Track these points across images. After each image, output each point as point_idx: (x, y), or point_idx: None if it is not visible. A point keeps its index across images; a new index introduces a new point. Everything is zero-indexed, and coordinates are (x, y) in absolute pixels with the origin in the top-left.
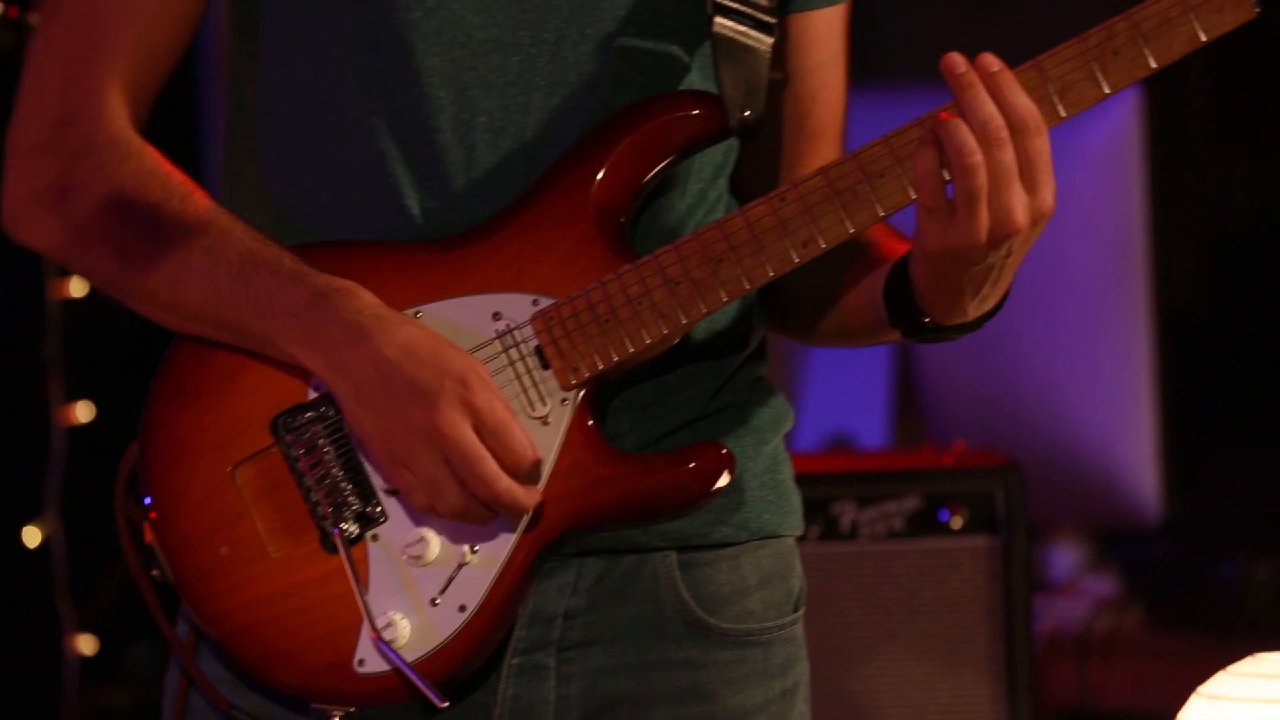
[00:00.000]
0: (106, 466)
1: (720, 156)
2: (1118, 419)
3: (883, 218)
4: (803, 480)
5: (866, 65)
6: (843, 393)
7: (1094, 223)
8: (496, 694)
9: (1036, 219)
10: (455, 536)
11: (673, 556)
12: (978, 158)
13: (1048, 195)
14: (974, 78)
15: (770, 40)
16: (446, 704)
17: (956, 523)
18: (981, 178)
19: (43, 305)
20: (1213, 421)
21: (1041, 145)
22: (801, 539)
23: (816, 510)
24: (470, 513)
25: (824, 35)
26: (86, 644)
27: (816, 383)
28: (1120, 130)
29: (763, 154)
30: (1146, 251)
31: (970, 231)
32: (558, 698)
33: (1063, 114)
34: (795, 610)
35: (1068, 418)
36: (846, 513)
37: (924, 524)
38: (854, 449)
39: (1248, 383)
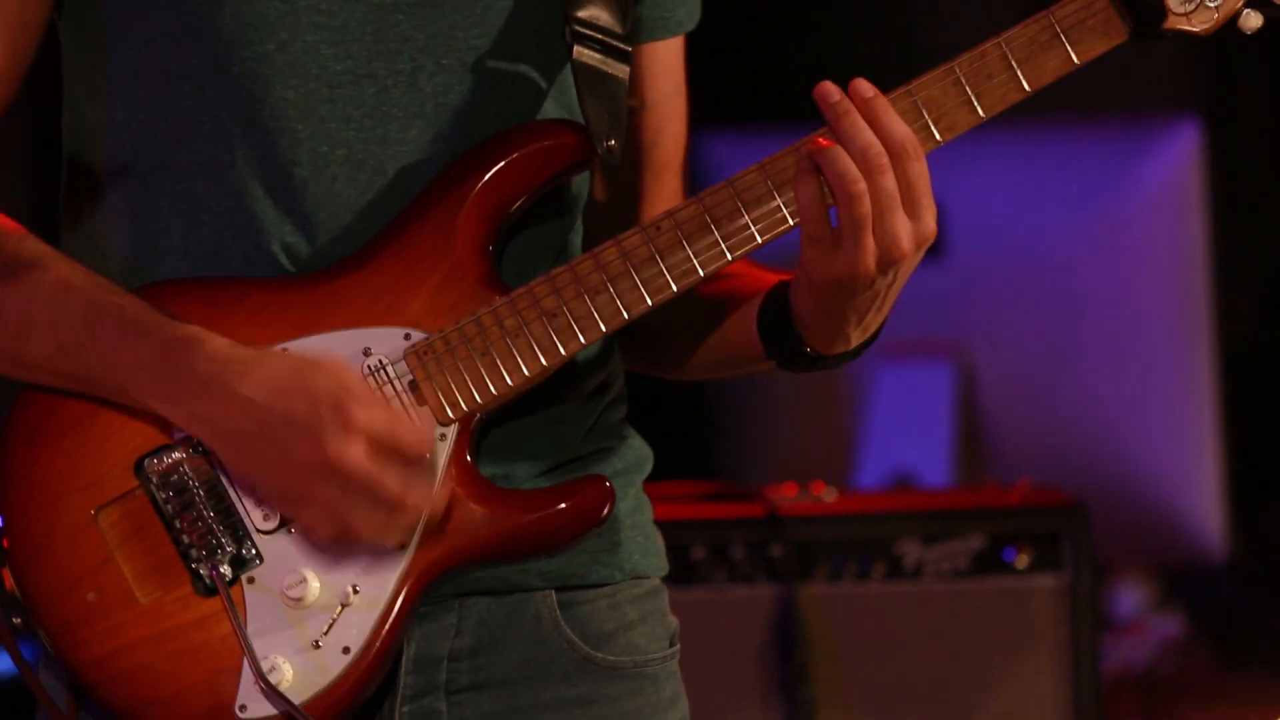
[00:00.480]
0: None
1: (582, 188)
2: (1182, 457)
3: (761, 245)
4: (867, 519)
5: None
6: (905, 431)
7: (1156, 259)
8: None
9: (920, 243)
10: (336, 578)
11: (553, 596)
12: (861, 185)
13: (930, 220)
14: (849, 105)
15: (627, 69)
16: None
17: (1022, 562)
18: (866, 205)
19: None
20: (1277, 459)
21: (921, 170)
22: (865, 578)
23: (880, 549)
24: (388, 531)
25: (669, 67)
26: None
27: (879, 421)
28: (1180, 167)
29: (609, 187)
30: (1209, 288)
31: (857, 260)
32: None
33: (939, 138)
34: (672, 645)
35: (1132, 456)
36: (911, 552)
37: (989, 563)
38: (917, 487)
39: None
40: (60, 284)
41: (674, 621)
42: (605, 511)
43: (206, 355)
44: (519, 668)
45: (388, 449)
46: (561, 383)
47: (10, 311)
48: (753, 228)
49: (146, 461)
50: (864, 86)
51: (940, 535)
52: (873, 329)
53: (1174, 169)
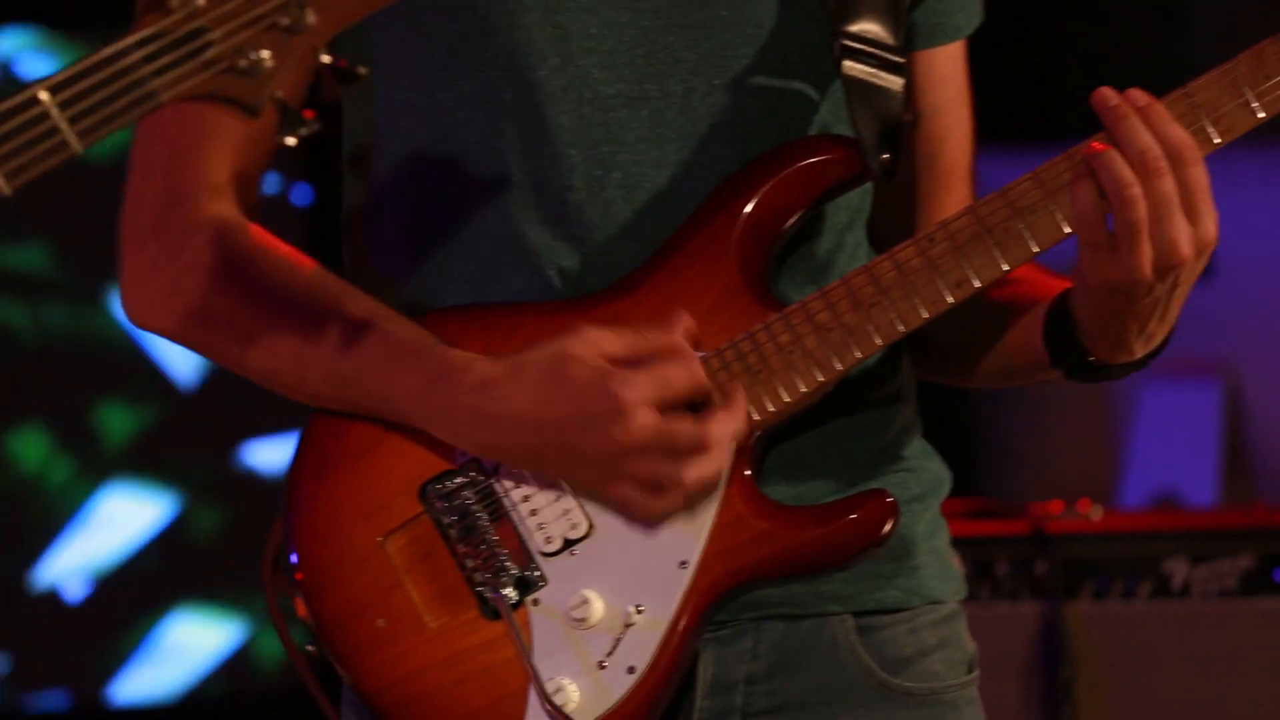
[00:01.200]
0: None
1: (857, 201)
2: None
3: (1037, 254)
4: (1133, 538)
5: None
6: (1170, 450)
7: None
8: None
9: (1201, 249)
10: (619, 598)
11: (849, 620)
12: (1137, 189)
13: (1209, 224)
14: (1127, 109)
15: (901, 81)
16: None
17: None
18: (1142, 209)
19: None
20: None
21: (1199, 174)
22: (1131, 596)
23: (1147, 568)
24: (706, 478)
25: (949, 72)
26: None
27: (1143, 440)
28: None
29: (895, 198)
30: None
31: (1134, 265)
32: None
33: (1217, 141)
34: (970, 671)
35: None
36: (1178, 571)
37: (1258, 583)
38: (1182, 506)
39: None
40: (334, 310)
41: (973, 647)
42: (887, 527)
43: (468, 386)
44: (815, 692)
45: (667, 404)
46: (850, 400)
47: (287, 339)
48: (1027, 236)
49: (430, 487)
50: (1138, 95)
51: (1208, 555)
52: (1157, 339)
53: None
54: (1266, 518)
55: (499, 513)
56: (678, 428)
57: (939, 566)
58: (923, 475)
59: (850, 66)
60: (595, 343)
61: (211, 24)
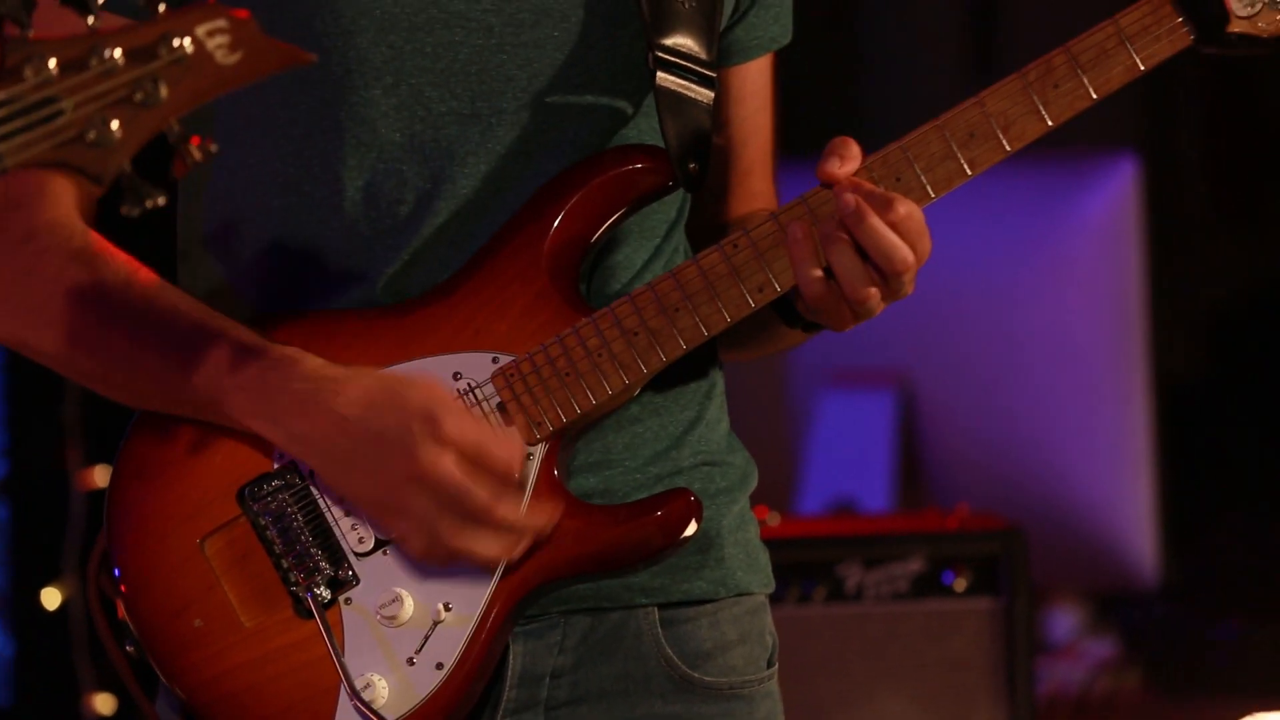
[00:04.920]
0: None
1: (674, 212)
2: (1116, 484)
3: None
4: (809, 543)
5: (867, 126)
6: (846, 457)
7: (1093, 291)
8: None
9: (897, 287)
10: (429, 595)
11: (654, 613)
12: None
13: (896, 262)
14: (863, 210)
15: (711, 94)
16: None
17: (960, 585)
18: (831, 291)
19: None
20: (1209, 486)
21: (873, 224)
22: (807, 600)
23: (822, 572)
24: (478, 545)
25: (757, 83)
26: (104, 703)
27: (820, 447)
28: (1118, 202)
29: (703, 199)
30: (1144, 319)
31: (842, 317)
32: None
33: (1008, 148)
34: (770, 665)
35: (1067, 482)
36: (852, 575)
37: (928, 586)
38: (858, 512)
39: (1243, 448)
40: (169, 311)
41: (773, 640)
42: (691, 527)
43: (301, 375)
44: (616, 682)
45: (478, 462)
46: (657, 396)
47: (120, 339)
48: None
49: (248, 490)
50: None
51: (881, 559)
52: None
53: (1112, 203)
54: (936, 523)
55: (314, 514)
56: (474, 485)
57: (746, 559)
58: (729, 469)
59: (663, 78)
60: (437, 384)
61: (63, 94)
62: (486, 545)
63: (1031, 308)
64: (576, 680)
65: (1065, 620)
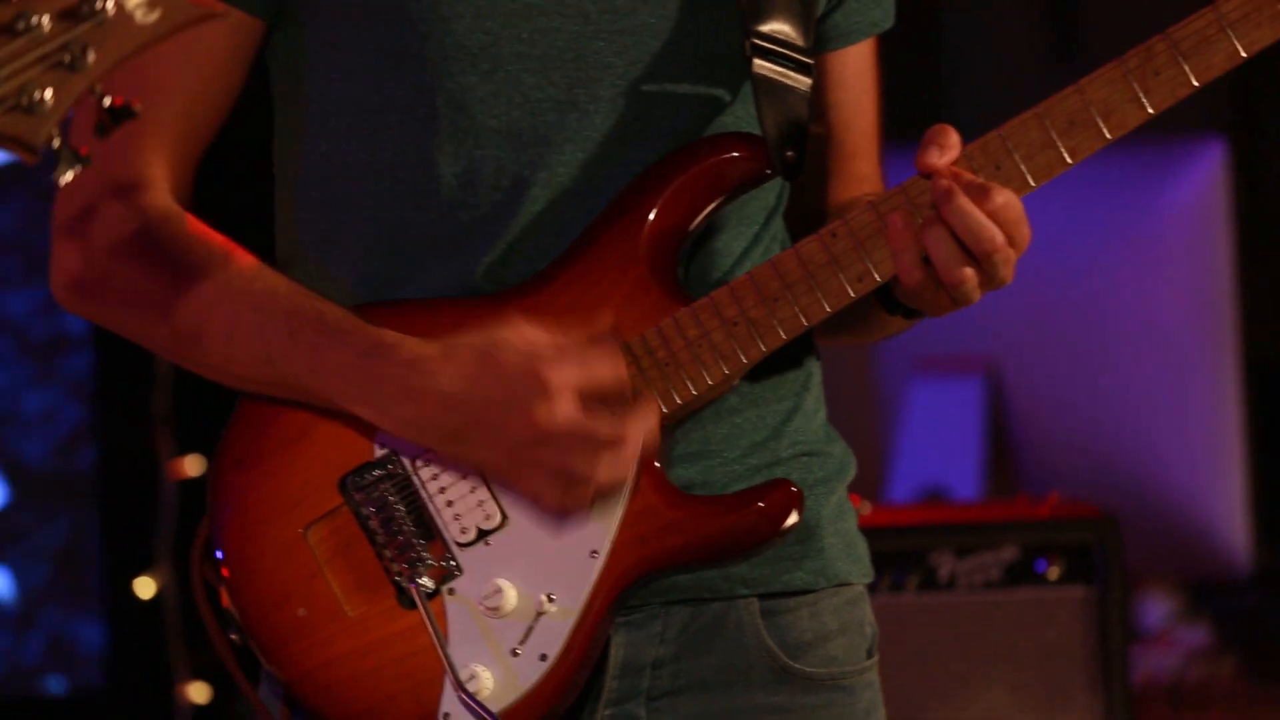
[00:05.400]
0: None
1: (773, 199)
2: (1208, 470)
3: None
4: (900, 532)
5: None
6: (936, 445)
7: (1183, 276)
8: None
9: (992, 271)
10: (532, 586)
11: (755, 604)
12: (969, 269)
13: (984, 242)
14: (954, 190)
15: (809, 81)
16: None
17: (1053, 573)
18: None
19: (152, 360)
20: None
21: (961, 203)
22: (899, 589)
23: (914, 561)
24: (616, 474)
25: (858, 69)
26: (199, 693)
27: (910, 436)
28: (1206, 186)
29: (804, 186)
30: (1234, 304)
31: (939, 304)
32: None
33: (1109, 136)
34: (870, 656)
35: (1159, 469)
36: (944, 564)
37: (1021, 575)
38: (948, 501)
39: None
40: (267, 292)
41: (873, 630)
42: (793, 518)
43: (399, 360)
44: (718, 672)
45: (591, 396)
46: (755, 386)
47: (220, 319)
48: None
49: (349, 479)
50: (960, 175)
51: (973, 548)
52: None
53: (1200, 188)
54: (1028, 511)
55: (416, 504)
56: (596, 420)
57: (845, 549)
58: (827, 460)
59: (760, 65)
60: (526, 333)
61: None
62: (620, 464)
63: (1121, 293)
64: (678, 670)
65: (1158, 608)
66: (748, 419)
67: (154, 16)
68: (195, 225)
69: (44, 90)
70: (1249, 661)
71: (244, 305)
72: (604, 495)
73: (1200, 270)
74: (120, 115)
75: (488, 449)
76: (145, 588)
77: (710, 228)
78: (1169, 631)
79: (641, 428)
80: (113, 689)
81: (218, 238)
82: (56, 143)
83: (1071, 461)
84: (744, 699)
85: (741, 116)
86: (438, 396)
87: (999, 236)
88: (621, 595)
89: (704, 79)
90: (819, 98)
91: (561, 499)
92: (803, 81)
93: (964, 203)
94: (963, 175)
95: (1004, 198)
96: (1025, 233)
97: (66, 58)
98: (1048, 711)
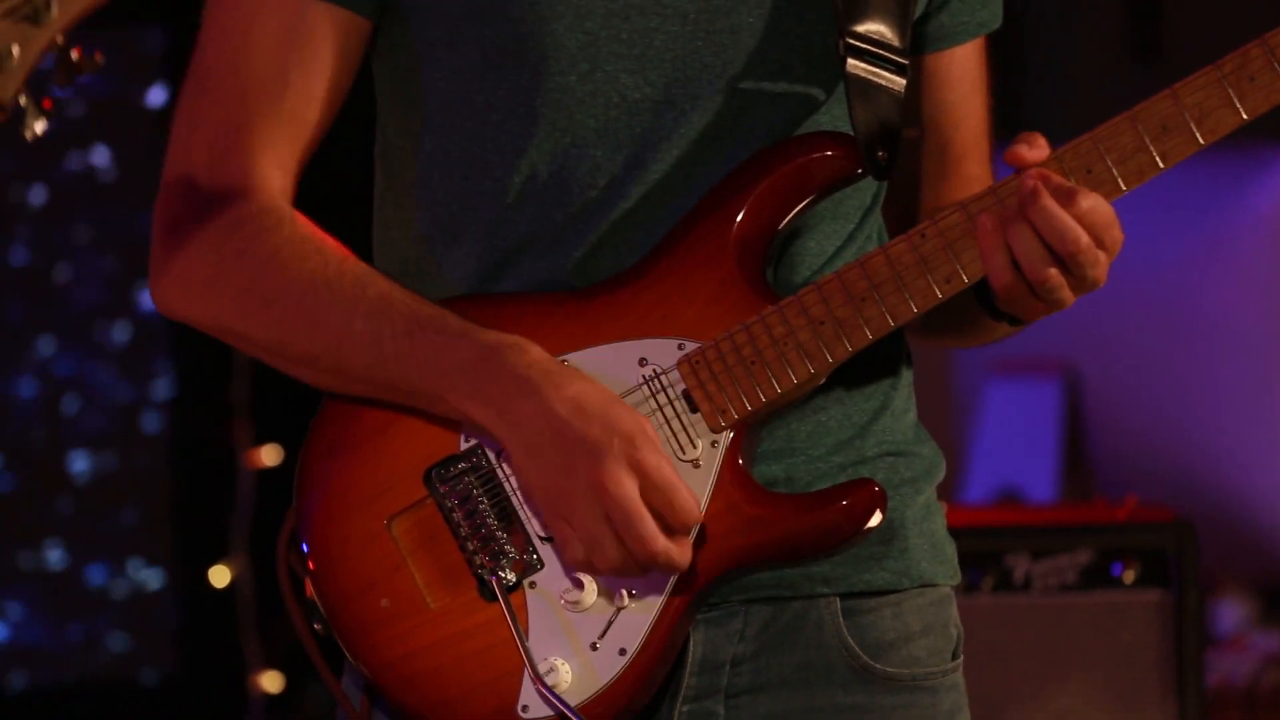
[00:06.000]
0: None
1: (869, 198)
2: None
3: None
4: (976, 532)
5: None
6: (1012, 446)
7: (1263, 281)
8: None
9: (1080, 273)
10: (612, 581)
11: (836, 603)
12: (1056, 273)
13: (1069, 243)
14: (1044, 195)
15: (902, 81)
16: None
17: (1129, 577)
18: (1064, 283)
19: (229, 350)
20: None
21: (1045, 203)
22: (974, 590)
23: (990, 562)
24: (626, 570)
25: (963, 69)
26: (272, 682)
27: (986, 436)
28: None
29: (909, 180)
30: None
31: (1033, 307)
32: None
33: (1202, 141)
34: (955, 658)
35: (1236, 474)
36: (1020, 565)
37: (1097, 577)
38: (1024, 502)
39: None
40: (381, 298)
41: (959, 632)
42: (876, 517)
43: (526, 362)
44: (797, 671)
45: (663, 498)
46: (844, 385)
47: (332, 325)
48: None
49: (434, 472)
50: (1047, 176)
51: (1049, 550)
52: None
53: (1279, 191)
54: (1104, 514)
55: (500, 497)
56: (647, 519)
57: (931, 549)
58: (915, 460)
59: (854, 65)
60: (648, 422)
61: None
62: (636, 573)
63: (1200, 297)
64: (757, 669)
65: (1232, 612)
66: (833, 416)
67: None
68: (306, 226)
69: (12, 46)
70: None
71: (357, 313)
72: (614, 579)
73: (1278, 274)
74: (83, 68)
75: (549, 475)
76: (220, 576)
77: (803, 226)
78: (1244, 636)
79: (670, 566)
80: (188, 677)
81: (329, 241)
82: (23, 99)
83: (1148, 465)
84: (823, 698)
85: (836, 116)
86: (546, 408)
87: (1084, 238)
88: (701, 592)
89: (799, 78)
90: (926, 98)
91: (579, 560)
92: (896, 82)
93: (1048, 202)
94: (1051, 178)
95: (1090, 201)
96: (1116, 235)
97: (29, 10)
98: (1122, 715)
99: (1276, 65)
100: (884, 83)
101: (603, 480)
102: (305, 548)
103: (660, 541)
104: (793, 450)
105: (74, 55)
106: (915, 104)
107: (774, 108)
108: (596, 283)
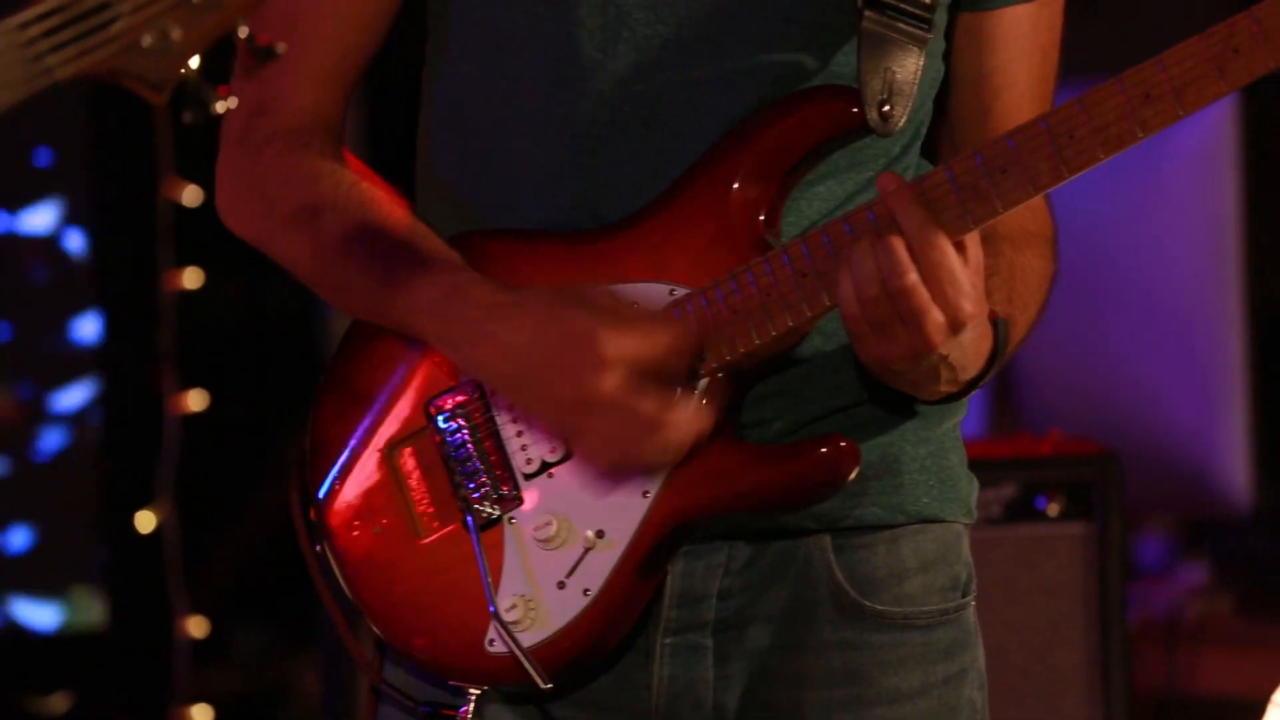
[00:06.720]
0: (219, 453)
1: (897, 147)
2: (1211, 409)
3: (1001, 212)
4: None
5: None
6: None
7: (1189, 217)
8: (652, 673)
9: (956, 330)
10: (584, 521)
11: (826, 539)
12: (875, 289)
13: (960, 304)
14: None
15: (926, 36)
16: (549, 686)
17: (1053, 510)
18: (882, 309)
19: (157, 296)
20: None
21: (939, 257)
22: None
23: None
24: (657, 450)
25: (1010, 33)
26: (197, 627)
27: None
28: (1215, 125)
29: (957, 137)
30: (1240, 244)
31: (889, 351)
32: (716, 676)
33: (1181, 113)
34: (964, 595)
35: (1161, 407)
36: None
37: (1021, 511)
38: None
39: None
40: (377, 226)
41: (965, 570)
42: (843, 471)
43: (474, 301)
44: (785, 606)
45: (641, 373)
46: (842, 327)
47: (336, 250)
48: (994, 196)
49: (433, 402)
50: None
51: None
52: (967, 376)
53: (1209, 128)
54: (1030, 448)
55: (491, 431)
56: (640, 398)
57: (939, 485)
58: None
59: (870, 16)
60: (599, 296)
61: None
62: (667, 451)
63: (1126, 233)
64: (745, 603)
65: (1157, 546)
66: (830, 358)
67: None
68: (330, 149)
69: (172, 30)
70: (1246, 600)
71: (355, 238)
72: (650, 468)
73: (1207, 211)
74: (264, 55)
75: (540, 403)
76: (146, 522)
77: (820, 174)
78: (1168, 569)
79: (691, 413)
80: (114, 623)
81: (352, 163)
82: (193, 83)
83: (1074, 400)
84: (810, 633)
85: (852, 67)
86: (501, 344)
87: (909, 276)
88: (669, 536)
89: (814, 26)
90: (965, 60)
91: (612, 464)
92: (913, 36)
93: (889, 235)
94: (913, 207)
95: (938, 253)
96: (958, 297)
97: None
98: (1045, 648)
99: (1261, 38)
100: (900, 36)
101: (583, 393)
102: (312, 469)
103: (670, 409)
104: (788, 393)
105: (255, 42)
106: (956, 64)
107: (786, 55)
108: (601, 226)
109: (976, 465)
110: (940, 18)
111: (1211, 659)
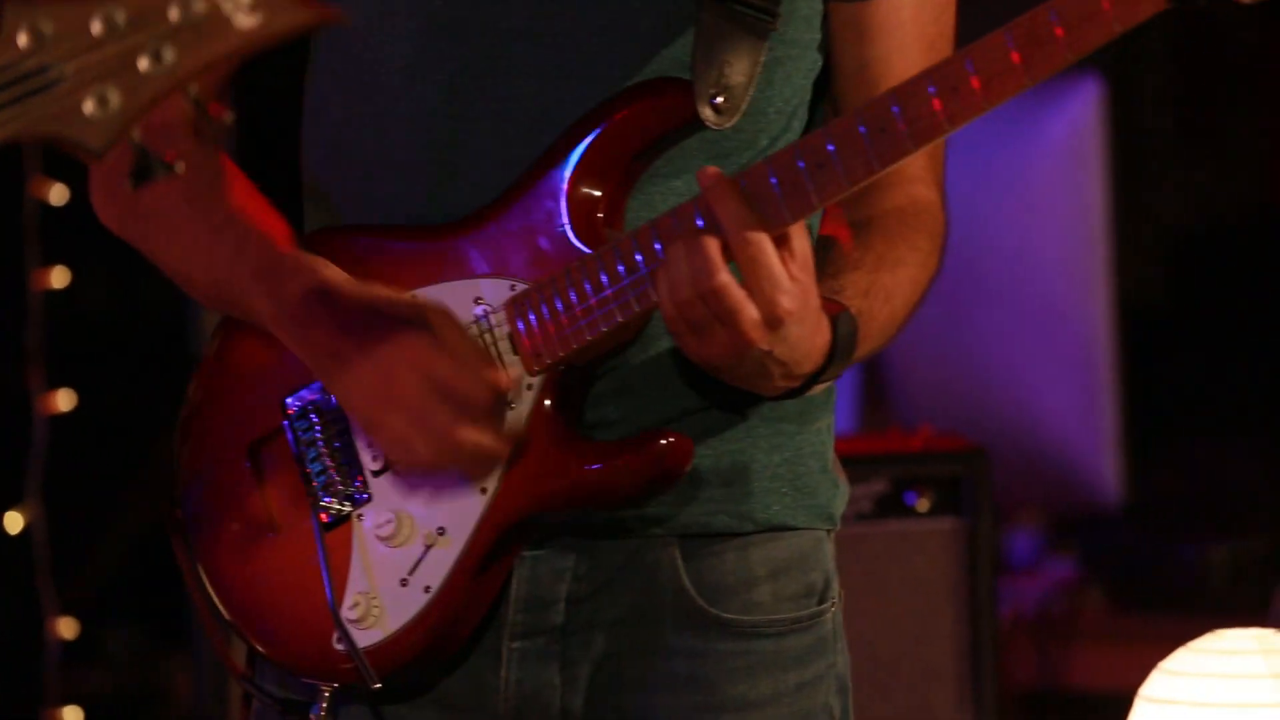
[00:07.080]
0: (87, 453)
1: (764, 139)
2: (1079, 405)
3: (817, 207)
4: None
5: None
6: None
7: (1056, 212)
8: (499, 678)
9: (774, 326)
10: (426, 519)
11: (674, 545)
12: (686, 292)
13: (778, 300)
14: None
15: (766, 27)
16: (378, 685)
17: (923, 505)
18: (697, 310)
19: (24, 295)
20: (1171, 408)
21: (755, 253)
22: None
23: None
24: (445, 462)
25: (884, 26)
26: (67, 627)
27: None
28: (1081, 122)
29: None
30: (1107, 241)
31: (710, 350)
32: (564, 681)
33: (986, 105)
34: (821, 603)
35: (1030, 403)
36: None
37: (891, 507)
38: None
39: (1205, 370)
40: (228, 216)
41: (821, 579)
42: (678, 464)
43: (285, 298)
44: (632, 611)
45: (440, 381)
46: None
47: (185, 239)
48: (813, 191)
49: (289, 400)
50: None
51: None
52: (803, 372)
53: (1075, 125)
54: (900, 444)
55: (341, 429)
56: (435, 409)
57: (792, 492)
58: (786, 402)
59: (708, 7)
60: (425, 308)
61: (59, 60)
62: (480, 437)
63: (994, 229)
64: (594, 608)
65: (1027, 541)
66: (681, 360)
67: (254, 20)
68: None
69: (110, 94)
70: (1116, 593)
71: (205, 228)
72: (461, 470)
73: (1074, 207)
74: (211, 124)
75: (360, 375)
76: (14, 522)
77: (673, 166)
78: (1037, 564)
79: (484, 444)
80: None
81: (221, 159)
82: (136, 148)
83: (944, 395)
84: (656, 640)
85: (682, 60)
86: (335, 324)
87: (719, 276)
88: (508, 532)
89: (660, 16)
90: (843, 52)
91: (406, 464)
92: (754, 28)
93: (702, 235)
94: (732, 204)
95: (754, 250)
96: (770, 288)
97: (143, 61)
98: (916, 642)
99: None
100: (737, 28)
101: (409, 353)
102: (176, 469)
103: (461, 431)
104: (631, 392)
105: (206, 107)
106: (835, 55)
107: (632, 47)
108: (448, 222)
109: (847, 461)
110: (798, 8)
111: (1081, 653)
